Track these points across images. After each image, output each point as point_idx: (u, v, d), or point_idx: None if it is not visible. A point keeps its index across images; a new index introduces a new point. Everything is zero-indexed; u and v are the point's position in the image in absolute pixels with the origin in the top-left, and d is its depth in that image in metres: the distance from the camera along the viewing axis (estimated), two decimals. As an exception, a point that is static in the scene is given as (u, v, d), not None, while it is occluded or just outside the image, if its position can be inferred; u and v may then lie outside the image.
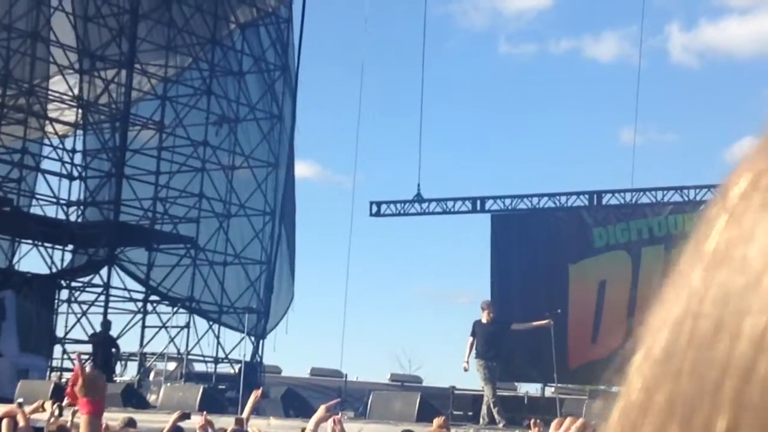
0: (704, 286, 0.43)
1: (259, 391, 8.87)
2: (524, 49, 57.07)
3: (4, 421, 3.41)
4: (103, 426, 9.21)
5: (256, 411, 17.06)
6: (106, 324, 22.83)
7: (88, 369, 3.63)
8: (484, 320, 14.79)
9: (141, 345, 25.53)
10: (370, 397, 14.09)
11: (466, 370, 14.62)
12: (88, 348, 25.19)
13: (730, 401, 0.37)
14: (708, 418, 0.38)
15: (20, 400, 11.76)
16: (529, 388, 24.84)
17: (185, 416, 10.25)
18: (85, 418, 3.67)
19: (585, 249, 23.18)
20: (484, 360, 14.59)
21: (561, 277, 23.07)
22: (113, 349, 22.29)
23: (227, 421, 11.24)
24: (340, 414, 8.04)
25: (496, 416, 14.59)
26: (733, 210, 0.44)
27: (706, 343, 0.41)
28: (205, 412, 9.05)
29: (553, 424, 4.90)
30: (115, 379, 21.25)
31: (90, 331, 24.98)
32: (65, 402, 8.15)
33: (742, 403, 0.37)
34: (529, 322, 15.93)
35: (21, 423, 3.41)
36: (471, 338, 14.70)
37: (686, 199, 22.44)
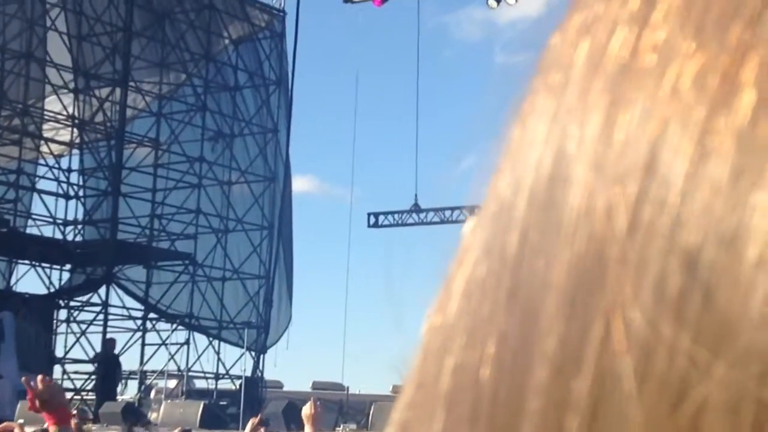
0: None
1: (257, 419, 8.82)
2: (519, 59, 57.15)
3: None
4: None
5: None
6: (109, 343, 22.82)
7: (39, 385, 3.62)
8: None
9: (141, 363, 25.47)
10: (371, 408, 14.05)
11: None
12: (87, 368, 25.21)
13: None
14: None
15: (21, 421, 11.74)
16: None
17: None
18: (54, 428, 3.65)
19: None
20: None
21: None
22: (117, 369, 22.27)
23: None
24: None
25: None
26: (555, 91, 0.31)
27: None
28: None
29: None
30: (117, 398, 21.21)
31: (89, 350, 24.96)
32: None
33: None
34: None
35: (18, 436, 3.43)
36: None
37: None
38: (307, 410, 5.96)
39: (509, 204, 0.30)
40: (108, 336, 24.77)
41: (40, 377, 3.74)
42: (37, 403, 3.62)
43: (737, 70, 0.26)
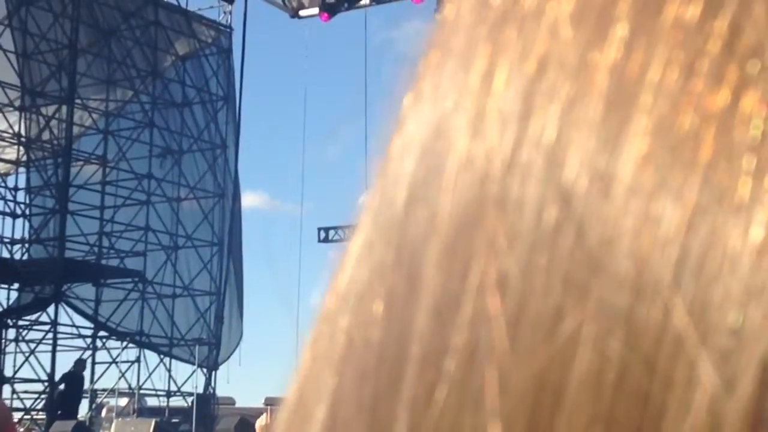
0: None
1: None
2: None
3: None
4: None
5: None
6: (81, 363, 22.70)
7: None
8: None
9: (91, 381, 25.28)
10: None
11: None
12: (37, 387, 24.99)
13: None
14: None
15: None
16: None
17: None
18: None
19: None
20: None
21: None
22: (80, 388, 22.19)
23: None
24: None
25: None
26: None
27: None
28: None
29: None
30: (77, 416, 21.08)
31: (39, 370, 24.75)
32: None
33: None
34: None
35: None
36: None
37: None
38: (261, 421, 5.93)
39: (398, 162, 0.30)
40: (57, 354, 24.63)
41: None
42: None
43: (612, 5, 0.26)
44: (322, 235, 25.32)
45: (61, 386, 22.34)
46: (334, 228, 25.24)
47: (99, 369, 25.53)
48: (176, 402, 25.62)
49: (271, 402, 15.24)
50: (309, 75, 54.29)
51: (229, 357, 26.28)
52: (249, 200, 53.81)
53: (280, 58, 55.79)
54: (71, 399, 21.19)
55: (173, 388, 25.71)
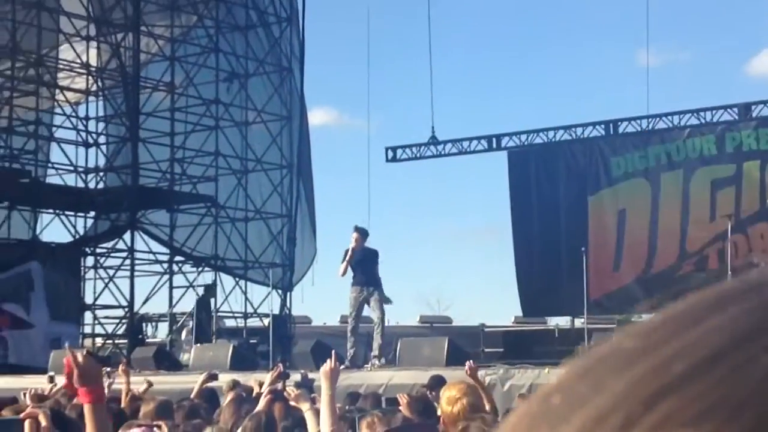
0: None
1: (276, 372, 8.92)
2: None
3: (27, 423, 3.41)
4: (129, 394, 9.36)
5: (289, 364, 17.23)
6: (209, 289, 23.08)
7: (80, 358, 3.65)
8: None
9: (170, 306, 25.76)
10: (398, 344, 14.18)
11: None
12: (117, 313, 25.51)
13: None
14: None
15: (51, 373, 11.96)
16: (559, 322, 24.97)
17: (213, 377, 10.40)
18: (89, 407, 3.69)
19: (603, 179, 23.16)
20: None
21: (580, 209, 23.09)
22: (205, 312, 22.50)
23: (260, 377, 11.32)
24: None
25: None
26: None
27: None
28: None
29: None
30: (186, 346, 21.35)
31: (119, 296, 25.27)
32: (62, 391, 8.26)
33: None
34: None
35: (43, 423, 3.41)
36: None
37: (703, 121, 22.33)
38: (326, 367, 5.96)
39: None
40: (135, 279, 25.10)
41: (80, 353, 3.76)
42: (75, 375, 3.66)
43: None
44: (390, 154, 25.25)
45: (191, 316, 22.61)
46: (402, 147, 25.17)
47: (177, 293, 26.00)
48: (253, 323, 26.01)
49: (347, 320, 15.36)
50: (373, -10, 53.76)
51: (302, 277, 26.55)
52: (317, 117, 53.90)
53: (343, -26, 55.25)
54: (205, 323, 21.58)
55: (249, 309, 26.11)
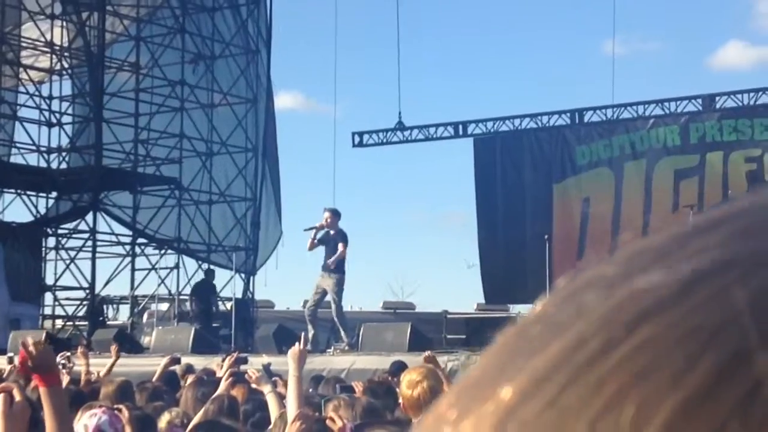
0: None
1: (234, 356, 8.95)
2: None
3: (1, 397, 3.38)
4: (88, 376, 9.31)
5: (251, 348, 17.18)
6: (210, 273, 22.74)
7: (32, 348, 3.62)
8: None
9: (131, 288, 25.60)
10: (361, 329, 14.18)
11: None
12: (78, 294, 25.33)
13: None
14: None
15: (11, 354, 11.83)
16: (522, 309, 25.05)
17: (176, 360, 10.36)
18: (44, 390, 3.66)
19: (568, 168, 23.25)
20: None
21: (545, 196, 23.17)
22: (212, 297, 22.18)
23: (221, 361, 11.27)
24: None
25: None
26: None
27: None
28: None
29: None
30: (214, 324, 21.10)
31: (80, 277, 25.07)
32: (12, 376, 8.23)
33: None
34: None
35: (17, 398, 3.38)
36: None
37: (667, 111, 22.45)
38: (294, 349, 5.97)
39: None
40: (96, 261, 24.92)
41: (31, 340, 3.74)
42: (28, 365, 3.63)
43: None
44: (357, 139, 25.20)
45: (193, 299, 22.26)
46: (368, 132, 25.14)
47: (138, 276, 25.85)
48: (215, 307, 25.87)
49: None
50: (341, -26, 53.57)
51: (266, 261, 26.46)
52: (284, 101, 53.74)
53: (311, -42, 54.97)
54: (206, 307, 21.29)
55: (212, 293, 25.94)
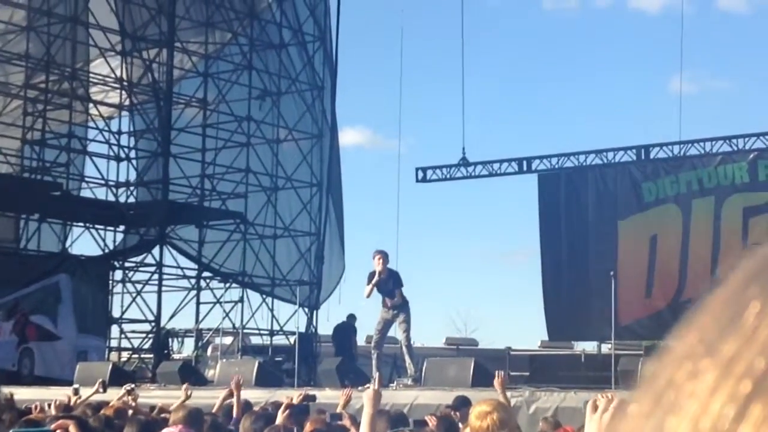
0: None
1: (303, 394, 9.04)
2: (567, 5, 56.39)
3: None
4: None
5: (313, 382, 17.18)
6: (351, 317, 22.42)
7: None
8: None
9: (196, 321, 25.79)
10: (424, 364, 14.11)
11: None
12: (144, 327, 25.55)
13: None
14: None
15: (76, 386, 11.97)
16: (586, 346, 24.80)
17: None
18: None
19: (634, 204, 22.99)
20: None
21: (610, 233, 22.93)
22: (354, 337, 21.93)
23: (283, 394, 11.30)
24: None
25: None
26: None
27: None
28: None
29: (588, 405, 4.90)
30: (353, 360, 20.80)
31: (146, 310, 25.31)
32: None
33: None
34: None
35: (72, 432, 3.42)
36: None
37: (735, 148, 22.16)
38: (370, 390, 6.08)
39: None
40: (162, 294, 25.11)
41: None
42: None
43: None
44: (420, 174, 25.20)
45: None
46: (432, 168, 25.12)
47: (203, 309, 26.04)
48: (279, 340, 26.01)
49: (371, 340, 15.31)
50: (405, 11, 53.87)
51: (329, 296, 26.52)
52: (349, 137, 54.02)
53: (377, -5, 55.40)
54: (346, 346, 21.06)
55: (276, 327, 26.10)
